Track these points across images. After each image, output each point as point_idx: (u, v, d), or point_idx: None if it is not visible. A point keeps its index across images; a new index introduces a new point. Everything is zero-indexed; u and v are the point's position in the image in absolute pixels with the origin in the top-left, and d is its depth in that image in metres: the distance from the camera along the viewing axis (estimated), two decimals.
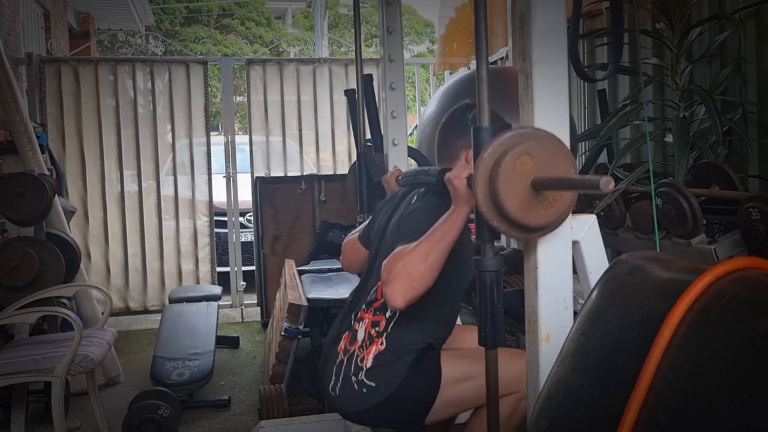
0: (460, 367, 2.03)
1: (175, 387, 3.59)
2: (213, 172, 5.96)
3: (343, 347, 2.07)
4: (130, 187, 5.81)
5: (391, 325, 2.00)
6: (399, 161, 2.84)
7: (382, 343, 1.99)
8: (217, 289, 5.13)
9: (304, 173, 5.95)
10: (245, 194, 5.97)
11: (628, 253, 1.08)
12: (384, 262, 1.84)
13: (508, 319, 3.08)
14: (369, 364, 1.98)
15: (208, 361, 3.87)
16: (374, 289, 2.08)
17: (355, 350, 2.03)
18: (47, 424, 3.24)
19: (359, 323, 2.07)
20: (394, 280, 1.78)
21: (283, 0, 19.20)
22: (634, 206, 2.96)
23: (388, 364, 1.98)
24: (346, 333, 2.09)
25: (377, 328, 2.01)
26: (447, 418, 2.18)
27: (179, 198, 5.91)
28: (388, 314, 2.01)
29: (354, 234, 2.40)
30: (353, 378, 2.00)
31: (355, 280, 4.27)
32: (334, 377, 2.05)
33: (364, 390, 1.97)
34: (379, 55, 3.18)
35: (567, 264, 1.50)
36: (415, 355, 2.00)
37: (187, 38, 15.34)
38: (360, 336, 2.04)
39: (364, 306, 2.09)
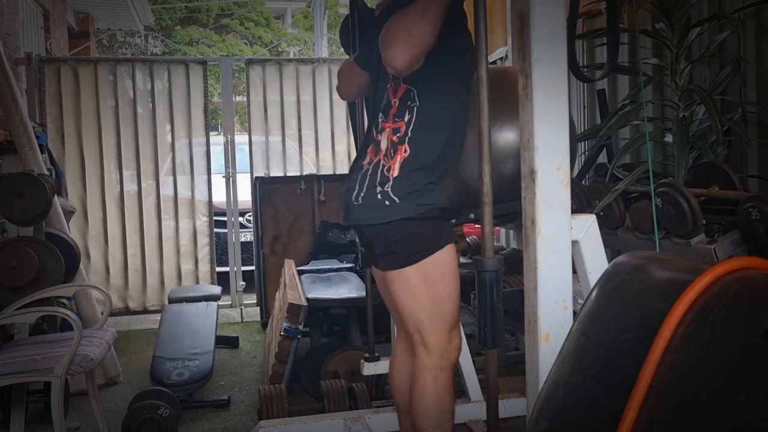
0: (454, 271, 2.06)
1: (175, 387, 3.58)
2: (212, 172, 5.96)
3: (368, 160, 2.08)
4: (130, 187, 5.81)
5: (411, 128, 2.00)
6: None
7: (406, 150, 1.99)
8: (217, 289, 5.13)
9: (304, 173, 5.95)
10: (245, 194, 5.96)
11: (627, 253, 1.08)
12: (381, 32, 1.81)
13: (507, 319, 3.08)
14: (396, 173, 1.98)
15: (207, 361, 3.87)
16: (385, 94, 2.07)
17: (380, 160, 2.03)
18: (47, 424, 3.24)
19: (381, 134, 2.06)
20: (392, 40, 1.73)
21: (283, 0, 19.19)
22: (634, 206, 2.96)
23: (414, 185, 1.98)
24: (371, 146, 2.10)
25: (398, 134, 2.01)
26: (406, 300, 2.11)
27: (179, 198, 5.91)
28: (406, 118, 2.01)
29: (347, 60, 2.38)
30: (378, 188, 2.00)
31: (354, 280, 4.28)
32: (358, 187, 2.06)
33: (387, 203, 1.98)
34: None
35: (567, 264, 1.50)
36: (439, 210, 2.02)
37: (182, 41, 15.33)
38: (383, 145, 2.04)
39: (381, 116, 2.08)
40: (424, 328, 2.06)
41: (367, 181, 2.04)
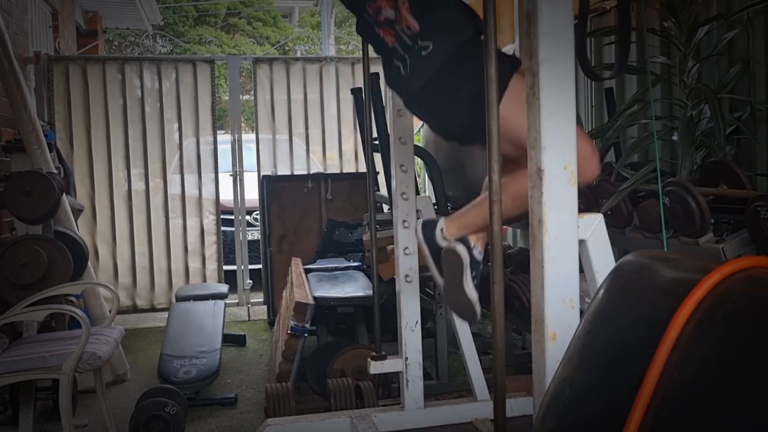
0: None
1: (182, 385, 3.60)
2: (220, 170, 5.97)
3: (390, 41, 2.04)
4: (138, 185, 5.83)
5: None
6: (405, 160, 2.84)
7: (404, 2, 1.98)
8: (224, 288, 5.15)
9: (311, 172, 5.96)
10: (252, 193, 5.98)
11: (635, 252, 1.08)
12: None
13: (514, 318, 3.08)
14: (413, 24, 1.96)
15: (214, 359, 3.88)
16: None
17: (396, 30, 2.02)
18: (55, 422, 3.25)
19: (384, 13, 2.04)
20: None
21: None
22: (642, 205, 2.95)
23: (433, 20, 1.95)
24: (385, 30, 2.05)
25: None
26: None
27: (186, 196, 5.92)
28: None
29: None
30: (415, 47, 1.97)
31: (361, 279, 4.28)
32: (399, 62, 2.03)
33: (423, 53, 1.95)
34: None
35: (573, 263, 1.50)
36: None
37: (192, 40, 15.36)
38: (391, 16, 2.02)
39: None
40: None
41: (403, 51, 2.01)
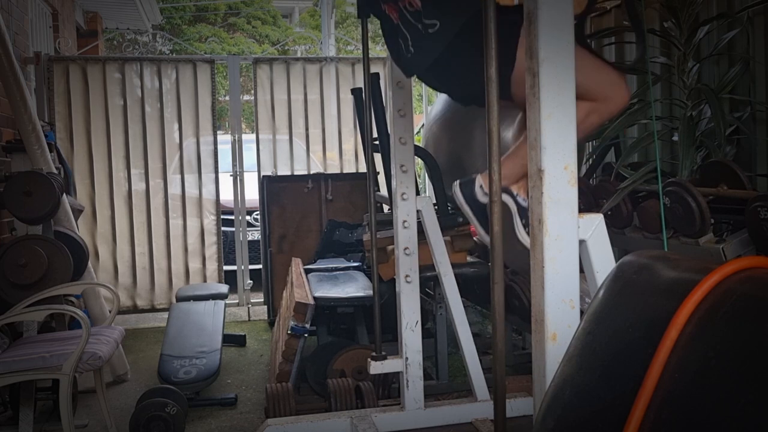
0: None
1: (182, 385, 3.60)
2: (220, 170, 5.97)
3: (396, 15, 2.01)
4: (138, 185, 5.83)
5: None
6: (405, 160, 2.84)
7: None
8: (224, 288, 5.15)
9: (311, 172, 5.96)
10: (252, 193, 5.98)
11: (635, 252, 1.08)
12: None
13: (514, 318, 3.08)
14: (419, 2, 1.93)
15: (214, 359, 3.88)
16: None
17: (402, 2, 1.98)
18: (55, 422, 3.25)
19: None
20: None
21: None
22: (642, 205, 2.96)
23: None
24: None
25: None
26: None
27: (186, 197, 5.93)
28: None
29: None
30: (418, 26, 1.94)
31: (361, 279, 4.28)
32: (402, 41, 1.99)
33: (430, 30, 1.93)
34: (386, 54, 3.18)
35: (574, 263, 1.50)
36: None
37: (192, 38, 15.36)
38: None
39: None
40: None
41: (408, 27, 1.98)
